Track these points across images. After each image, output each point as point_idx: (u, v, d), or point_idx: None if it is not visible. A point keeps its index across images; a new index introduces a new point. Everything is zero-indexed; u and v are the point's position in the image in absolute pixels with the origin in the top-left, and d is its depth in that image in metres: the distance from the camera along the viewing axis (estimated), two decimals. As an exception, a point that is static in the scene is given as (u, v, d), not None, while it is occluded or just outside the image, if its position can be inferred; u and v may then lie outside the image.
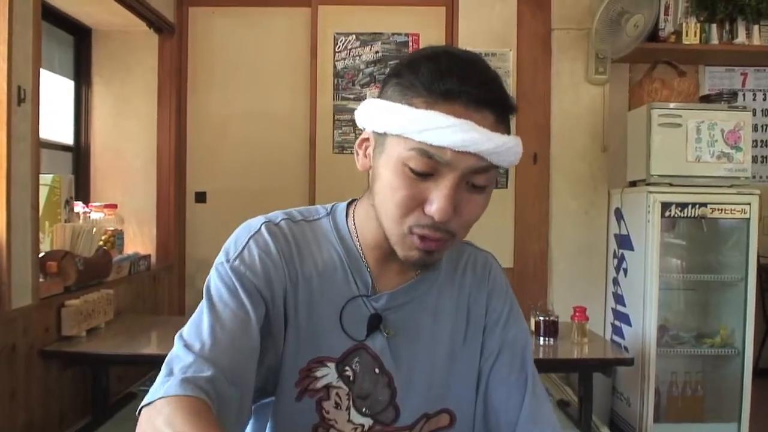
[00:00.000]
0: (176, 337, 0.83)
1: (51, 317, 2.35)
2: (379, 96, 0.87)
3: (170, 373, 0.76)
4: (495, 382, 0.97)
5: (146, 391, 0.75)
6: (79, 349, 2.34)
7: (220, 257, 0.91)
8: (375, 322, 0.92)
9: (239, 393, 0.80)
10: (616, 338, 3.40)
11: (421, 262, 0.87)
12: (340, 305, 0.92)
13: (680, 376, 3.28)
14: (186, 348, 0.79)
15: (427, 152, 0.79)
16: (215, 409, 0.73)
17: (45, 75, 2.92)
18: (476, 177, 0.82)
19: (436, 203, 0.80)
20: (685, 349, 3.23)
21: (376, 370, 0.92)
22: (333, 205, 1.01)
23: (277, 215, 0.96)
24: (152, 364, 2.84)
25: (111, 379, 2.63)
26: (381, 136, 0.85)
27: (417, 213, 0.82)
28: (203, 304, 0.86)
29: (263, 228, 0.93)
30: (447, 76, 0.80)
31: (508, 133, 0.85)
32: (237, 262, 0.89)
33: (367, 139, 0.90)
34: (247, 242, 0.91)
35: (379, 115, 0.84)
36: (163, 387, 0.73)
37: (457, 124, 0.78)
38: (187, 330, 0.83)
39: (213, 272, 0.90)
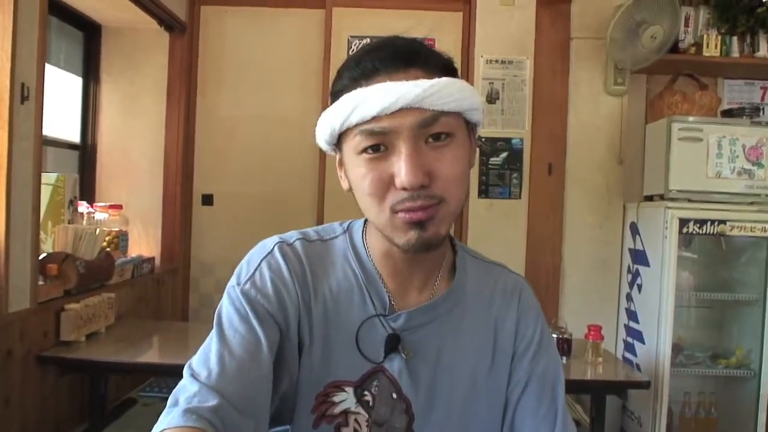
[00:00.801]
0: (185, 366, 0.79)
1: (50, 321, 2.28)
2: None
3: (175, 403, 0.73)
4: (522, 414, 0.92)
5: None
6: (77, 356, 2.28)
7: (232, 281, 0.88)
8: (393, 343, 0.87)
9: (252, 422, 0.76)
10: (628, 355, 3.32)
11: (421, 240, 0.81)
12: (356, 326, 0.88)
13: (693, 396, 3.19)
14: (192, 377, 0.76)
15: (367, 129, 0.79)
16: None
17: (52, 71, 2.88)
18: (429, 129, 0.79)
19: (401, 170, 0.77)
20: (700, 369, 3.14)
21: (394, 395, 0.87)
22: (350, 223, 0.97)
23: (292, 235, 0.93)
24: (153, 372, 2.78)
25: (110, 385, 2.56)
26: (338, 147, 0.87)
27: (392, 191, 0.79)
28: (213, 331, 0.83)
29: (276, 249, 0.90)
30: (362, 60, 0.82)
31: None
32: (248, 286, 0.85)
33: (340, 158, 0.89)
34: (259, 264, 0.88)
35: (324, 127, 0.85)
36: (166, 419, 0.70)
37: (378, 89, 0.78)
38: (195, 359, 0.80)
39: (225, 297, 0.87)
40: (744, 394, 3.15)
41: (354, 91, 0.80)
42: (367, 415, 0.87)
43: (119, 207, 3.06)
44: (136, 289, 3.00)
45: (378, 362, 0.87)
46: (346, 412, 0.87)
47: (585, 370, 2.51)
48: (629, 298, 3.36)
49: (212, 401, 0.72)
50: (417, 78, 0.79)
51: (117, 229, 3.01)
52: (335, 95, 0.84)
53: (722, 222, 3.00)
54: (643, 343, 3.17)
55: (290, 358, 0.85)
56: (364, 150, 0.80)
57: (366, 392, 0.87)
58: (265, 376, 0.79)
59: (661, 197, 3.08)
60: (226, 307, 0.85)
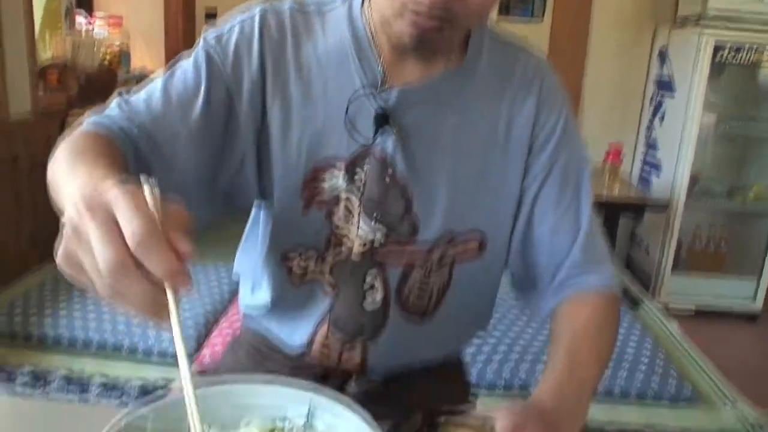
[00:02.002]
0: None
1: (54, 130, 2.23)
2: None
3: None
4: (541, 210, 0.84)
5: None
6: (84, 164, 2.25)
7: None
8: (382, 122, 0.79)
9: (160, 166, 0.73)
10: (643, 188, 3.27)
11: (413, 44, 0.73)
12: (345, 102, 0.79)
13: (705, 229, 3.19)
14: (117, 103, 0.75)
15: None
16: (128, 154, 0.70)
17: None
18: None
19: None
20: (715, 203, 3.11)
21: (387, 179, 0.80)
22: None
23: (286, 2, 0.83)
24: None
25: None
26: None
27: None
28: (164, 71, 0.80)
29: (258, 15, 0.81)
30: None
31: None
32: (213, 40, 0.80)
33: None
34: (233, 25, 0.81)
35: None
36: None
37: None
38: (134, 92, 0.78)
39: None
40: (755, 231, 3.14)
41: None
42: (359, 200, 0.80)
43: (119, 19, 2.91)
44: (142, 105, 2.92)
45: (368, 143, 0.79)
46: (337, 196, 0.81)
47: (601, 191, 2.47)
48: (650, 127, 3.25)
49: (125, 124, 0.72)
50: None
51: (119, 44, 2.87)
52: None
53: (761, 50, 2.81)
54: (660, 174, 3.10)
55: (243, 128, 0.79)
56: None
57: (356, 175, 0.80)
58: (188, 129, 0.75)
59: (697, 19, 2.87)
60: (189, 53, 0.80)
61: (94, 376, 1.62)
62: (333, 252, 0.83)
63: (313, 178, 0.80)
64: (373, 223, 0.81)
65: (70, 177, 0.57)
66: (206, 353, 1.66)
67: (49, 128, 2.21)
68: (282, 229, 0.83)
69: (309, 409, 0.63)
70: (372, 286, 0.85)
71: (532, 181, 0.84)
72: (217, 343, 1.68)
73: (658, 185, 3.09)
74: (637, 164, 3.36)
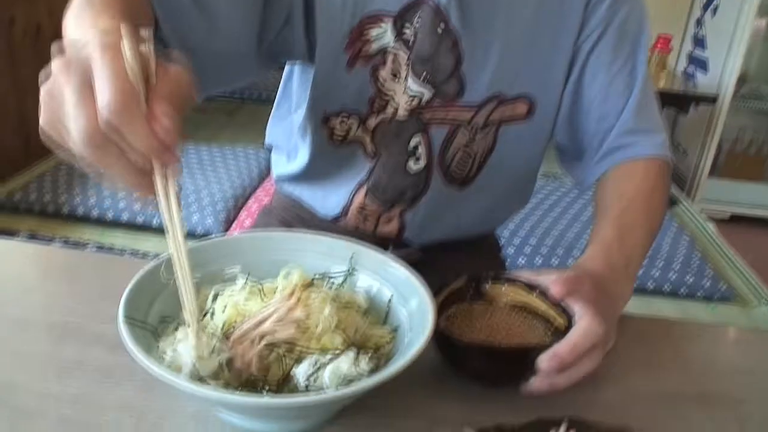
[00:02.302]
0: None
1: (77, 1, 2.17)
2: None
3: None
4: (593, 69, 0.78)
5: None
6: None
7: None
8: None
9: (205, 22, 0.65)
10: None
11: None
12: None
13: (748, 133, 3.06)
14: None
15: None
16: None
17: None
18: None
19: None
20: (762, 104, 2.96)
21: (439, 30, 0.74)
22: None
23: None
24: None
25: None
26: None
27: None
28: None
29: None
30: None
31: None
32: None
33: None
34: None
35: None
36: None
37: None
38: None
39: None
40: (802, 134, 3.01)
41: None
42: (406, 55, 0.75)
43: None
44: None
45: None
46: (384, 51, 0.75)
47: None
48: (699, 23, 3.06)
49: None
50: None
51: None
52: None
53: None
54: (705, 74, 2.95)
55: None
56: None
57: (406, 26, 0.74)
58: None
59: None
60: None
61: (125, 249, 1.63)
62: (377, 115, 0.79)
63: (359, 32, 0.74)
64: (420, 80, 0.76)
65: (73, 29, 0.48)
66: (235, 228, 1.65)
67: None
68: (324, 90, 0.78)
69: (350, 262, 0.60)
70: (415, 149, 0.81)
71: (588, 36, 0.78)
72: (245, 219, 1.67)
73: (703, 83, 2.94)
74: (682, 61, 3.19)
